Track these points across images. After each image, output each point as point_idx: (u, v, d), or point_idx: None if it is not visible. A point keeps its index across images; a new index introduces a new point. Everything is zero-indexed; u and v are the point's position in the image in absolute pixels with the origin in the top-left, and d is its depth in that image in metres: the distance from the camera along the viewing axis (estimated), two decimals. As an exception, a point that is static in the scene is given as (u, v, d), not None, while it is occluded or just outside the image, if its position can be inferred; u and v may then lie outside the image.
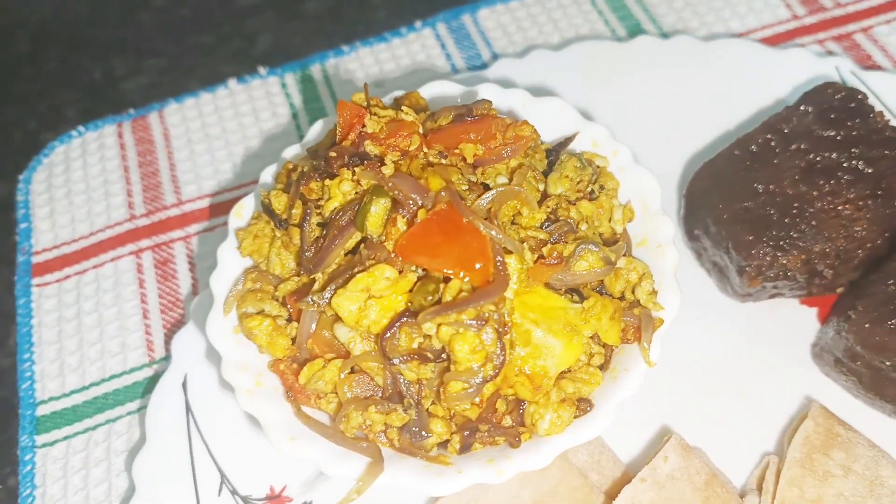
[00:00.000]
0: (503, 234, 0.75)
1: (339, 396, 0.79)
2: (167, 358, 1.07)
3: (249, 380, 0.82)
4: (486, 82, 1.01)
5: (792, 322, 1.00)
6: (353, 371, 0.79)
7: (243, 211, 0.94)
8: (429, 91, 1.01)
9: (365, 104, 0.88)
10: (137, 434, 1.01)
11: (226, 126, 1.33)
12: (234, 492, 0.92)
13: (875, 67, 1.24)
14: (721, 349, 0.98)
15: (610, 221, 0.88)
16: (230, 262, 0.90)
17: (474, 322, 0.71)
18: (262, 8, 1.53)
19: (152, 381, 1.05)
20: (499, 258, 0.74)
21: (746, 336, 0.99)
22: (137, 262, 1.18)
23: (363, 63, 1.39)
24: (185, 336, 1.01)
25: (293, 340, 0.83)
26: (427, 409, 0.77)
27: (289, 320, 0.84)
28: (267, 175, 0.96)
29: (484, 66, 1.33)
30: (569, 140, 0.94)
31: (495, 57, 1.35)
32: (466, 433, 0.77)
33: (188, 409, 0.97)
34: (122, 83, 1.45)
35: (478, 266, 0.73)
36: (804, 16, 1.34)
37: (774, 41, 1.30)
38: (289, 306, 0.84)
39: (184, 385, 0.98)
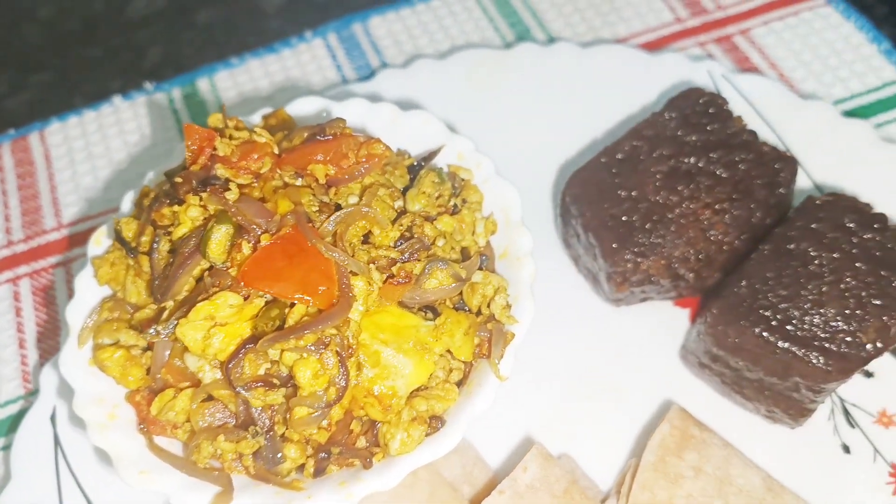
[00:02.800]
0: (347, 257, 0.75)
1: (192, 426, 0.77)
2: (41, 389, 1.04)
3: (103, 413, 0.80)
4: (356, 97, 1.00)
5: (665, 324, 1.02)
6: (209, 399, 0.78)
7: (102, 238, 0.91)
8: (296, 108, 1.00)
9: (222, 125, 0.86)
10: (7, 470, 0.99)
11: (110, 145, 1.30)
12: (105, 525, 0.91)
13: (752, 69, 1.28)
14: (597, 354, 1.00)
15: (473, 235, 0.89)
16: (88, 292, 0.88)
17: (314, 347, 0.71)
18: (153, 19, 1.50)
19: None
20: (345, 280, 0.74)
21: (621, 340, 1.01)
22: (14, 290, 1.15)
23: (253, 75, 1.37)
24: (55, 368, 0.98)
25: (149, 370, 0.81)
26: (283, 435, 0.77)
27: (146, 350, 0.83)
28: (127, 201, 0.94)
29: (373, 74, 1.33)
30: (433, 154, 0.94)
31: (385, 65, 1.34)
32: (322, 456, 0.76)
33: (57, 442, 0.94)
34: (5, 100, 1.41)
35: (321, 290, 0.73)
36: (687, 18, 1.36)
37: (658, 45, 1.32)
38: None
39: (52, 418, 0.96)
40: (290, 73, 1.37)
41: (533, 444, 0.87)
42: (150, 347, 0.82)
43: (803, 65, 1.28)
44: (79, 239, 1.19)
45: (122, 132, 1.31)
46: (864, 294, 0.85)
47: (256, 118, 0.99)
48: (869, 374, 0.97)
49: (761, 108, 1.14)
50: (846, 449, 0.93)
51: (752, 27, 1.34)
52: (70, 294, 1.13)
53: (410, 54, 1.35)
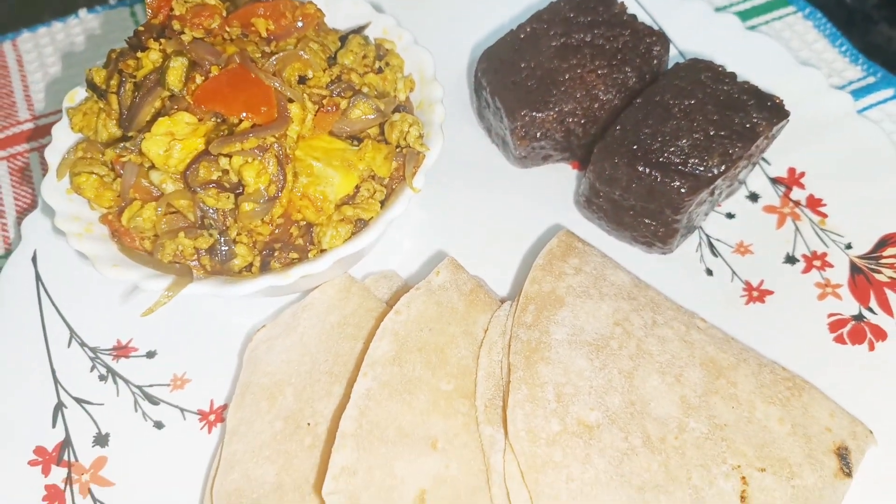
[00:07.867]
0: (284, 85, 0.91)
1: (157, 231, 0.93)
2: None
3: (80, 227, 0.95)
4: (295, -15, 1.16)
5: (563, 181, 1.21)
6: (172, 213, 0.94)
7: (76, 96, 1.06)
8: (245, -7, 1.15)
9: (178, -5, 1.02)
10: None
11: (78, 50, 1.44)
12: (82, 344, 1.05)
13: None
14: (503, 204, 1.18)
15: (395, 91, 1.06)
16: (64, 139, 1.03)
17: (257, 151, 0.87)
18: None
19: (8, 266, 1.16)
20: (282, 104, 0.90)
21: (525, 194, 1.19)
22: (-7, 172, 1.28)
23: (208, -7, 1.51)
24: (35, 218, 1.13)
25: (119, 195, 0.96)
26: (234, 239, 0.93)
27: (116, 179, 0.98)
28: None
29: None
30: (362, 28, 1.11)
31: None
32: (266, 252, 0.92)
33: (38, 278, 1.09)
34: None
35: (263, 109, 0.89)
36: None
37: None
38: (116, 167, 0.97)
39: (34, 259, 1.10)
40: (242, -10, 1.52)
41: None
42: (119, 176, 0.97)
43: (690, -22, 1.47)
44: (50, 127, 1.33)
45: (88, 39, 1.45)
46: (711, 129, 1.04)
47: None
48: (731, 216, 1.17)
49: (647, 5, 1.34)
50: (709, 272, 1.12)
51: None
52: (44, 169, 1.27)
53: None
